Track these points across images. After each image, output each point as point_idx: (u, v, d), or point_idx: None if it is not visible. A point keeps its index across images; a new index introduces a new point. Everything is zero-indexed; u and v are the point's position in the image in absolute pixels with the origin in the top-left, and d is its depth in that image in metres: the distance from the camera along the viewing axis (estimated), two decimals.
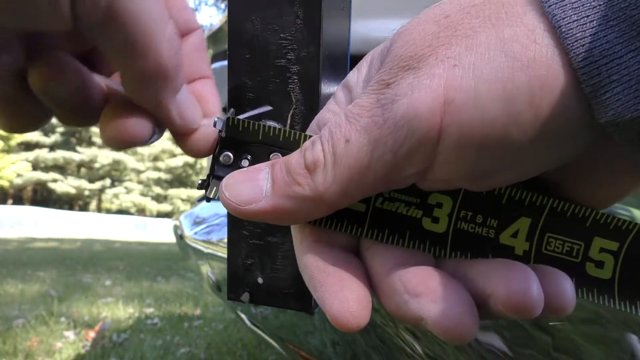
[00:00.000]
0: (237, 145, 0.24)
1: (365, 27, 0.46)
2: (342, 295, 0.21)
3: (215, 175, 0.24)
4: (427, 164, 0.19)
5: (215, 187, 0.24)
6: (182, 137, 0.25)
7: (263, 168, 0.22)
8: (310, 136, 0.23)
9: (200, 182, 0.25)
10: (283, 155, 0.23)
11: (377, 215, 0.23)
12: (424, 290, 0.20)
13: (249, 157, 0.24)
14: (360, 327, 0.20)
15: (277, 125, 0.34)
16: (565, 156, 0.19)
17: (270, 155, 0.24)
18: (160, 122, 0.24)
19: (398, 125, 0.18)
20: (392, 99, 0.18)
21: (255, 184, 0.21)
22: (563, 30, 0.17)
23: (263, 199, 0.21)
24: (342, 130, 0.19)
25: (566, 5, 0.17)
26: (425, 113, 0.18)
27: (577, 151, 0.19)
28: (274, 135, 0.24)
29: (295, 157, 0.21)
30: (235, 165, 0.24)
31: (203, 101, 0.27)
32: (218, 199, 0.23)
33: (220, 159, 0.24)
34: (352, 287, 0.21)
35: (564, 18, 0.17)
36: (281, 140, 0.24)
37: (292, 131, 0.23)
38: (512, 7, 0.18)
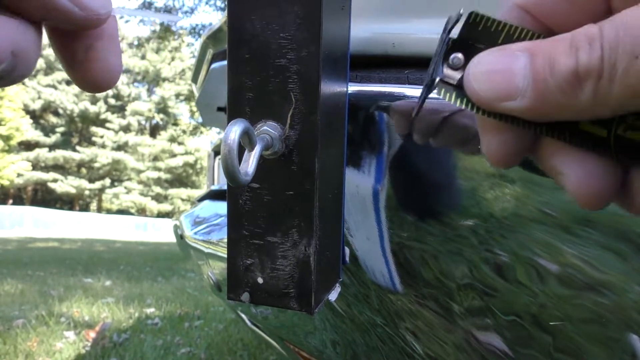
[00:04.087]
0: (469, 47, 0.21)
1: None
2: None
3: (443, 81, 0.21)
4: None
5: (447, 92, 0.21)
6: (81, 45, 0.18)
7: (519, 54, 0.18)
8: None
9: (424, 86, 0.22)
10: None
11: (621, 143, 0.19)
12: None
13: None
14: None
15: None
16: None
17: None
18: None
19: None
20: None
21: (510, 78, 0.18)
22: None
23: (519, 97, 0.18)
24: (634, 42, 0.16)
25: None
26: None
27: None
28: (518, 38, 0.20)
29: (563, 56, 0.17)
30: (464, 71, 0.21)
31: None
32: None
33: (450, 61, 0.21)
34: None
35: None
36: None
37: (543, 36, 0.20)
38: None
